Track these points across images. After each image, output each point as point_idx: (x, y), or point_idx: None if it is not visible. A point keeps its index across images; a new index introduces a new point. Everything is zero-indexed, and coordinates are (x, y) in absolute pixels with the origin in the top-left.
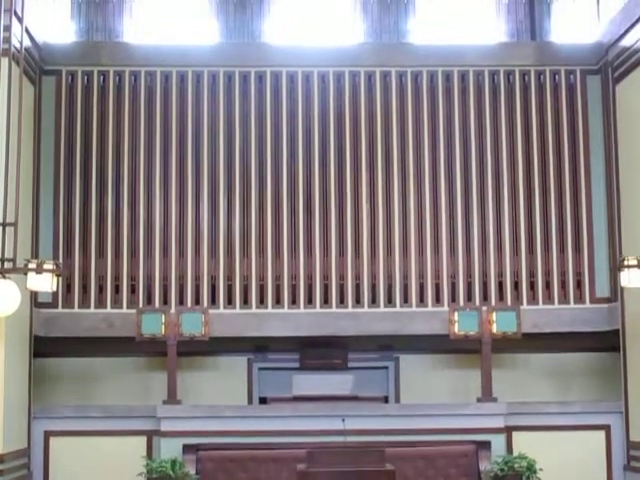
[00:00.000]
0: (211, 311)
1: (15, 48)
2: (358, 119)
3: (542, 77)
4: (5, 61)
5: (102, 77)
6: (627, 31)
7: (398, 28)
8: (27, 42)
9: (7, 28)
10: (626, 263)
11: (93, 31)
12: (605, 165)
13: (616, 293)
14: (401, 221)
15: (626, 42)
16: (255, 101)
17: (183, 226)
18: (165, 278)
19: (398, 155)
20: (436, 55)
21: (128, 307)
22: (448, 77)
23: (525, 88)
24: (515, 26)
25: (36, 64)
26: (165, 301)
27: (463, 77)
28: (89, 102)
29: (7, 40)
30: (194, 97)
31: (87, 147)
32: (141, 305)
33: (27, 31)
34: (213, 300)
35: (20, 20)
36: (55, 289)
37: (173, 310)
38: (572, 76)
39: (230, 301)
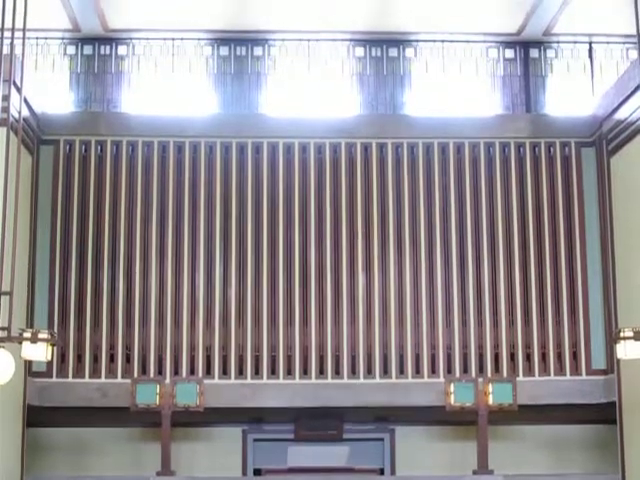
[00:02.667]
0: (206, 381)
1: (13, 118)
2: (354, 189)
3: (537, 149)
4: (3, 131)
5: (99, 147)
6: (621, 104)
7: (394, 100)
8: (25, 112)
9: (5, 98)
10: (622, 335)
11: (91, 101)
12: (600, 236)
13: (612, 365)
14: (397, 292)
15: (620, 115)
16: (252, 171)
17: (179, 296)
18: (160, 348)
19: (394, 226)
20: (432, 127)
21: (123, 377)
22: (444, 149)
23: (520, 160)
24: (510, 99)
25: (34, 133)
26: (160, 371)
27: (459, 149)
28: (86, 171)
29: (5, 110)
30: (191, 167)
31: (84, 216)
32: (136, 375)
33: (26, 101)
34: (208, 370)
35: (19, 90)
36: (50, 358)
37: (168, 380)
38: (567, 148)
39: (225, 371)
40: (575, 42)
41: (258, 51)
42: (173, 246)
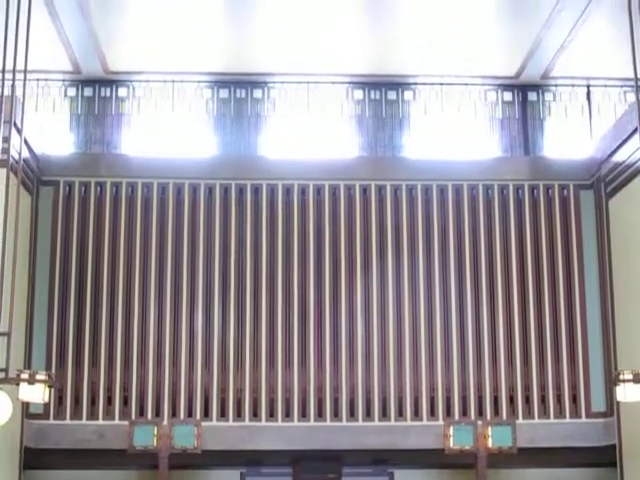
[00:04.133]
0: (204, 423)
1: (14, 159)
2: (353, 231)
3: (536, 191)
4: (3, 172)
5: (99, 188)
6: (619, 147)
7: (393, 142)
8: (25, 153)
9: (6, 139)
10: (622, 377)
11: (91, 143)
12: (599, 278)
13: (612, 408)
14: (396, 334)
15: (618, 158)
16: (251, 213)
17: (177, 337)
18: (158, 389)
19: (393, 267)
20: (430, 169)
21: (120, 419)
22: (442, 191)
23: (519, 202)
24: (509, 141)
25: (34, 174)
26: (157, 413)
27: (457, 191)
28: (86, 212)
29: (6, 151)
30: (190, 208)
31: (83, 257)
32: (133, 417)
33: (26, 142)
34: (206, 412)
35: (19, 131)
36: (47, 400)
37: (165, 422)
38: (565, 191)
39: (223, 413)
40: (573, 85)
41: (258, 93)
42: (172, 287)
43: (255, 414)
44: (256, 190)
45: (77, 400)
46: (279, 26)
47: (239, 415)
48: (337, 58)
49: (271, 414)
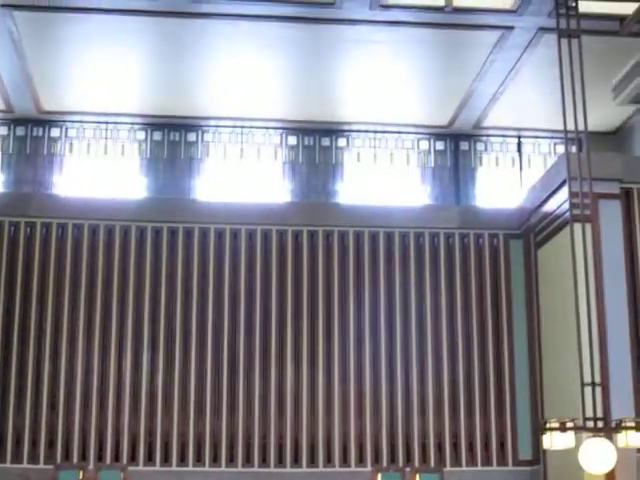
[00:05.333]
0: (130, 468)
1: None
2: (285, 276)
3: (466, 240)
4: None
5: (29, 228)
6: (548, 198)
7: (326, 188)
8: None
9: None
10: (548, 426)
11: (22, 183)
12: (527, 327)
13: (539, 455)
14: (325, 381)
15: (547, 208)
16: (182, 256)
17: (105, 380)
18: (84, 433)
19: (323, 313)
20: (363, 216)
21: (45, 462)
22: (374, 237)
23: (449, 250)
24: (440, 190)
25: None
26: (84, 456)
27: (389, 238)
28: (15, 253)
29: None
30: (121, 250)
31: (10, 297)
32: (59, 460)
33: None
34: (133, 457)
35: None
36: None
37: (92, 466)
38: (495, 239)
39: (150, 458)
40: (504, 135)
41: (192, 137)
42: (100, 329)
43: (182, 459)
44: (188, 233)
45: (1, 443)
46: (215, 70)
47: (166, 460)
48: (272, 104)
49: (198, 459)
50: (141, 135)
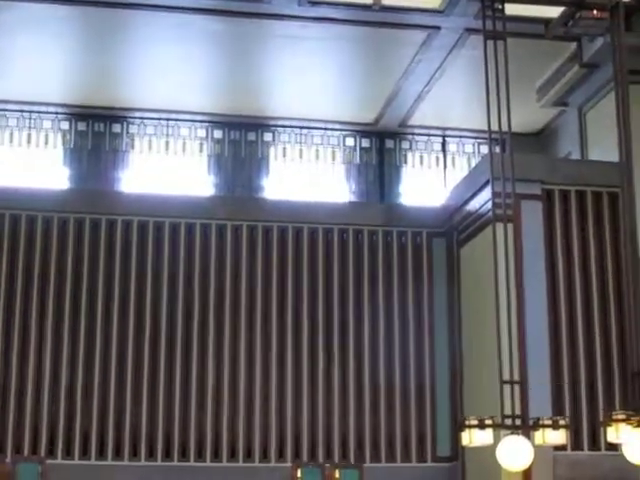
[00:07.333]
0: (49, 462)
1: None
2: (208, 270)
3: (390, 237)
4: None
5: None
6: (471, 197)
7: (252, 183)
8: None
9: None
10: (467, 423)
11: None
12: (449, 326)
13: (457, 452)
14: (246, 375)
15: (470, 207)
16: (104, 249)
17: (24, 370)
18: (1, 426)
19: (246, 308)
20: (287, 211)
21: None
22: (298, 233)
23: (373, 247)
24: (365, 187)
25: None
26: (1, 449)
27: (313, 234)
28: None
29: None
30: (43, 242)
31: None
32: None
33: None
34: (51, 450)
35: None
36: None
37: (9, 459)
38: (419, 238)
39: (69, 452)
40: (429, 135)
41: (117, 128)
42: (20, 319)
43: (101, 453)
44: (111, 225)
45: None
46: (141, 62)
47: (85, 454)
48: (198, 97)
49: (117, 453)
50: (65, 125)
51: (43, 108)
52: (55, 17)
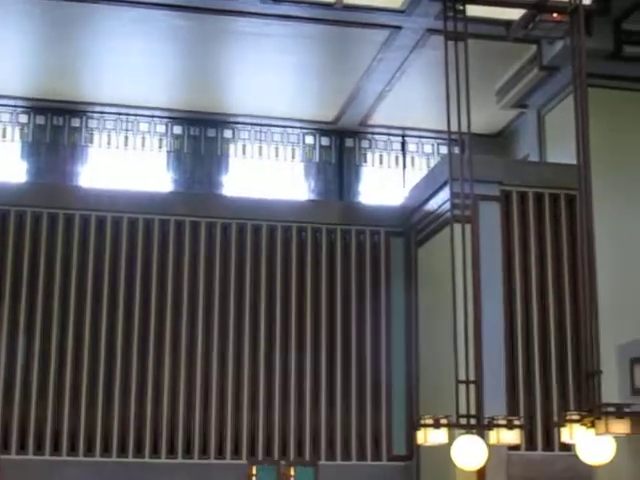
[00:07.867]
0: (2, 456)
1: None
2: (166, 267)
3: (348, 236)
4: None
5: None
6: (430, 197)
7: (211, 180)
8: None
9: None
10: (422, 422)
11: None
12: (405, 325)
13: (412, 451)
14: (203, 371)
15: (429, 208)
16: (62, 244)
17: None
18: None
19: (203, 305)
20: (246, 208)
21: None
22: (257, 230)
23: (331, 245)
24: (324, 185)
25: None
26: None
27: (272, 231)
28: None
29: None
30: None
31: None
32: None
33: None
34: (5, 445)
35: None
36: None
37: None
38: (377, 237)
39: (23, 446)
40: (389, 134)
41: (75, 122)
42: None
43: (56, 448)
44: (68, 220)
45: None
46: (100, 56)
47: (39, 448)
48: (158, 92)
49: (72, 449)
50: (24, 118)
51: (1, 101)
52: (14, 10)
